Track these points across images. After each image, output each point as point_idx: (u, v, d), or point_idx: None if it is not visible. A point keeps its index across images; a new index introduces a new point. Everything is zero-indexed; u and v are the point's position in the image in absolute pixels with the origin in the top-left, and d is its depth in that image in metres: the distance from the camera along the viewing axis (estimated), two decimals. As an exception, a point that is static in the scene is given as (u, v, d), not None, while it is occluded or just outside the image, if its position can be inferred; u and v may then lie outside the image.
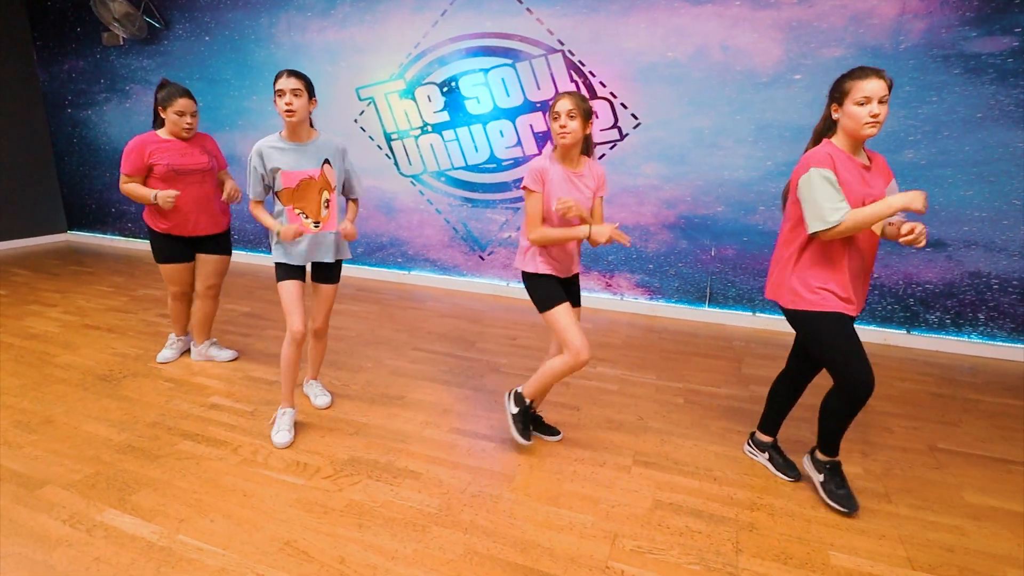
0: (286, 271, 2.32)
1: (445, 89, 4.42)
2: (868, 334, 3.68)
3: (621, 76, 3.91)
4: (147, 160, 2.69)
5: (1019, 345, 3.41)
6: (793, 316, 1.95)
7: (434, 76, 4.43)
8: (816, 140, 1.91)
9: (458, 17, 4.25)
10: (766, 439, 2.23)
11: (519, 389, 2.23)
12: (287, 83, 2.12)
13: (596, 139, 4.07)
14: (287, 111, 2.12)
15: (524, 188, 2.03)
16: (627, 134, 3.99)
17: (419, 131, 4.59)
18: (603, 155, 4.07)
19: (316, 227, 2.30)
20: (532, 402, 2.25)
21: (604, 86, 3.96)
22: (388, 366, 3.13)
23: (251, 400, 2.67)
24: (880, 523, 1.91)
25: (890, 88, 1.75)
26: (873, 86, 1.72)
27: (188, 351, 3.21)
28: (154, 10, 5.28)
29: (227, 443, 2.30)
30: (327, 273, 2.43)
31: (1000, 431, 2.55)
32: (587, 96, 2.04)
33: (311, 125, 2.30)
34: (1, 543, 1.71)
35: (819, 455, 2.04)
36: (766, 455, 2.22)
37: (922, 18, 3.21)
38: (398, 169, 4.78)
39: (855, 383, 1.82)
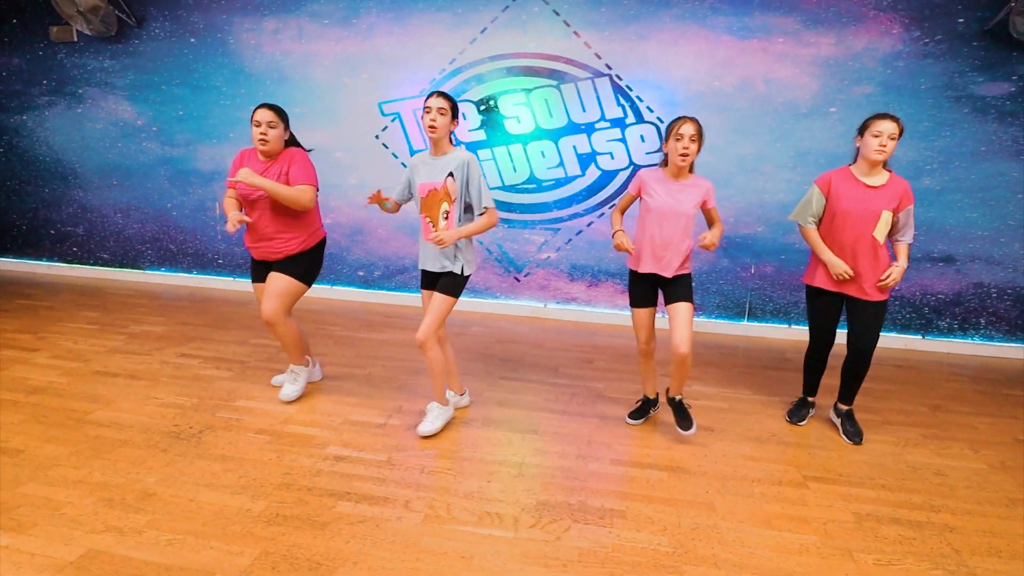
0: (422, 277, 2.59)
1: (482, 107, 4.31)
2: (891, 340, 4.10)
3: (669, 102, 4.06)
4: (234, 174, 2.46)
5: (1013, 344, 3.98)
6: None
7: (470, 94, 4.31)
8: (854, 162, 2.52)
9: (500, 36, 4.18)
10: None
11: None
12: (434, 102, 2.30)
13: (643, 162, 4.18)
14: (429, 127, 2.33)
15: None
16: (671, 157, 4.14)
17: (452, 149, 4.42)
18: (646, 177, 4.19)
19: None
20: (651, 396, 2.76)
21: (651, 111, 4.09)
22: (489, 397, 2.95)
23: (375, 447, 2.39)
24: (1043, 513, 2.12)
25: (901, 132, 2.30)
26: (885, 126, 2.31)
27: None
28: (123, 5, 4.62)
29: (391, 499, 2.03)
30: (433, 281, 2.52)
31: (1053, 421, 2.95)
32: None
33: (452, 142, 2.47)
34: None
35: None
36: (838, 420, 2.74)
37: (939, 63, 3.69)
38: (427, 188, 4.55)
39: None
